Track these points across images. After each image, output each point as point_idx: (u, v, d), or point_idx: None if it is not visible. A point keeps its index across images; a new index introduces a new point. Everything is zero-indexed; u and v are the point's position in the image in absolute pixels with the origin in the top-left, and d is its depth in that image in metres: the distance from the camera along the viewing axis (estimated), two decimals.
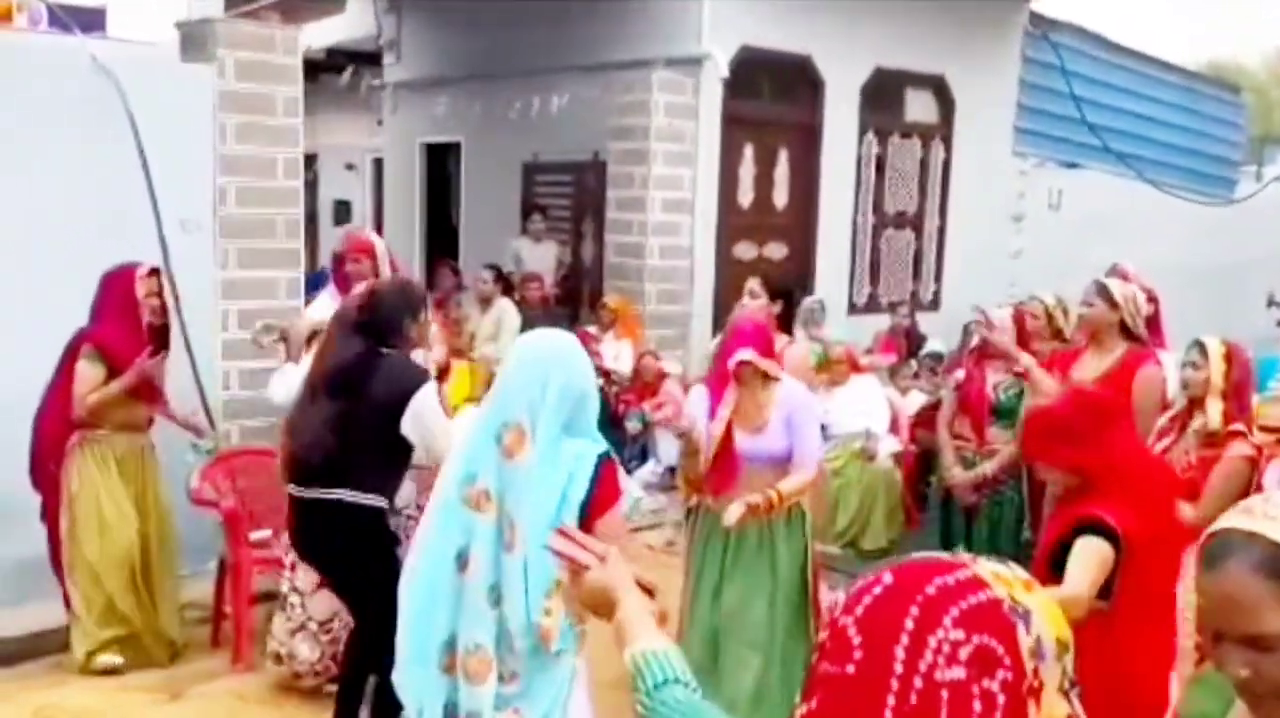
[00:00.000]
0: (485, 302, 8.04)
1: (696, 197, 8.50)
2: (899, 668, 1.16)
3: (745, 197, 9.02)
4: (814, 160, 9.34)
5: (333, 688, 4.25)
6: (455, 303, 8.33)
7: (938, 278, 10.55)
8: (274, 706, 4.58)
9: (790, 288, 6.86)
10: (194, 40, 5.99)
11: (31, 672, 4.82)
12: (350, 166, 14.60)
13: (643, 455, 7.71)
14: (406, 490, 4.29)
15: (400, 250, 5.58)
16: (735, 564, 4.21)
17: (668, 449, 7.22)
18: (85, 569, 4.79)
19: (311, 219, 9.57)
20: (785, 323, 7.03)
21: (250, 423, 6.06)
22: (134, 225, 5.54)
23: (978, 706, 1.15)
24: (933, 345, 8.57)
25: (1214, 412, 4.13)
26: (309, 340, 5.30)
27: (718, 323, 8.08)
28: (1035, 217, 11.00)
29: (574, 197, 9.85)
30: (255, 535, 5.13)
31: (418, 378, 3.86)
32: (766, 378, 4.13)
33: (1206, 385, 4.17)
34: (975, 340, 5.23)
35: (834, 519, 6.88)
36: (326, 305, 5.26)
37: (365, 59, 12.11)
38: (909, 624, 1.17)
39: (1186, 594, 3.98)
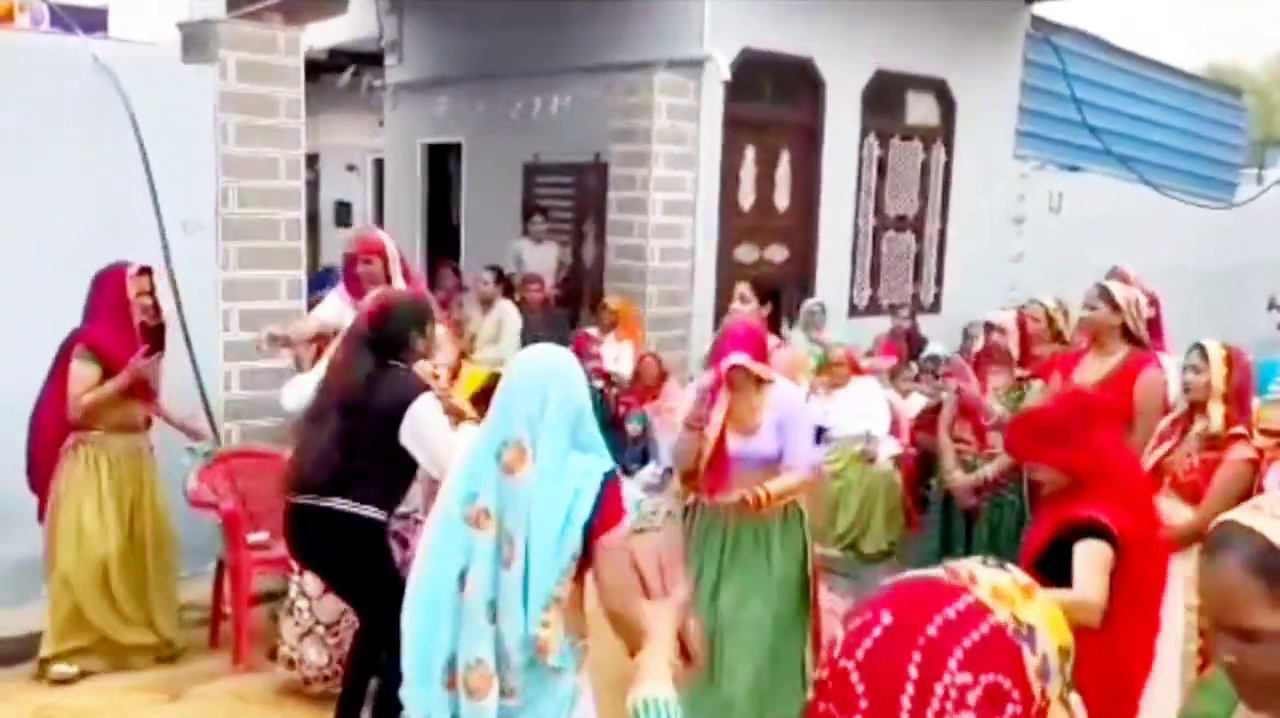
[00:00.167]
0: (486, 303, 8.03)
1: (698, 198, 8.50)
2: None
3: (746, 199, 9.02)
4: (815, 163, 9.34)
5: (339, 691, 4.25)
6: (457, 304, 8.33)
7: (938, 281, 10.55)
8: (274, 706, 4.58)
9: (778, 288, 6.85)
10: (196, 41, 6.00)
11: (32, 672, 4.80)
12: (351, 167, 14.60)
13: (643, 457, 7.71)
14: (413, 496, 4.30)
15: (401, 251, 5.59)
16: (732, 563, 4.21)
17: (669, 451, 7.22)
18: (57, 575, 4.78)
19: (312, 220, 9.56)
20: (773, 324, 7.05)
21: (251, 424, 6.06)
22: (135, 226, 5.54)
23: None
24: (933, 348, 8.58)
25: (1215, 415, 4.13)
26: (315, 341, 5.32)
27: (718, 325, 8.08)
28: (1036, 219, 11.00)
29: (575, 198, 9.85)
30: (253, 538, 5.12)
31: (416, 389, 3.89)
32: (760, 381, 4.13)
33: (1208, 389, 4.17)
34: (977, 344, 5.25)
35: (834, 522, 6.88)
36: (335, 306, 5.26)
37: (367, 60, 12.11)
38: (913, 673, 1.15)
39: (1187, 598, 4.00)
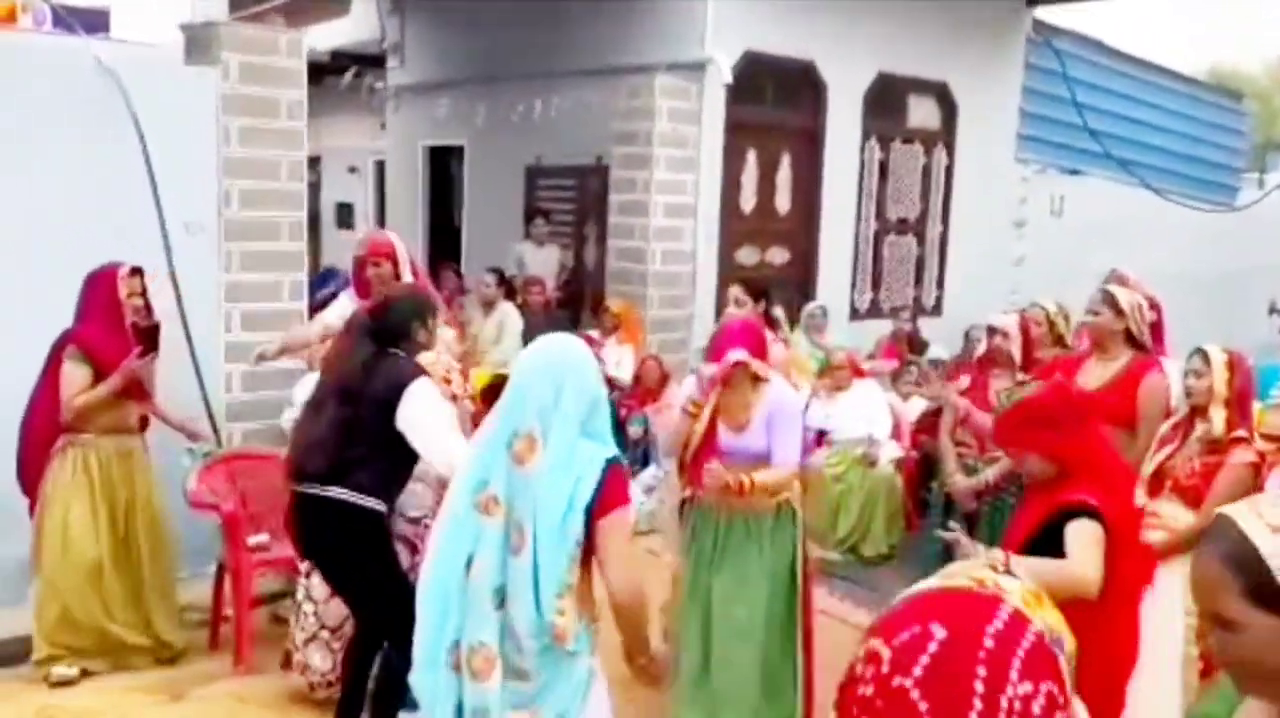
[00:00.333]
0: (488, 305, 8.04)
1: (699, 201, 8.50)
2: None
3: (748, 202, 9.02)
4: (816, 166, 9.34)
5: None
6: (458, 306, 8.33)
7: (939, 284, 10.55)
8: (274, 708, 4.57)
9: (768, 288, 6.85)
10: (198, 43, 6.01)
11: (33, 672, 4.80)
12: (353, 169, 14.61)
13: (644, 460, 7.71)
14: (424, 498, 4.29)
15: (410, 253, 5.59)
16: (723, 558, 4.23)
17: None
18: (43, 578, 4.77)
19: (314, 221, 9.57)
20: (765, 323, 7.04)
21: (253, 425, 6.07)
22: (137, 227, 5.55)
23: None
24: (934, 352, 8.58)
25: (1217, 419, 4.13)
26: (326, 342, 5.31)
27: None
28: (1037, 223, 11.00)
29: (576, 201, 9.86)
30: (254, 539, 5.12)
31: (413, 374, 3.89)
32: (756, 379, 4.13)
33: (1209, 393, 4.17)
34: (979, 348, 5.25)
35: (835, 525, 6.88)
36: (345, 308, 5.24)
37: (369, 62, 12.12)
38: (979, 687, 1.15)
39: (1187, 602, 4.00)
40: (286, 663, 4.69)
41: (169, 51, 6.09)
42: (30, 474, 4.88)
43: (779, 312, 7.31)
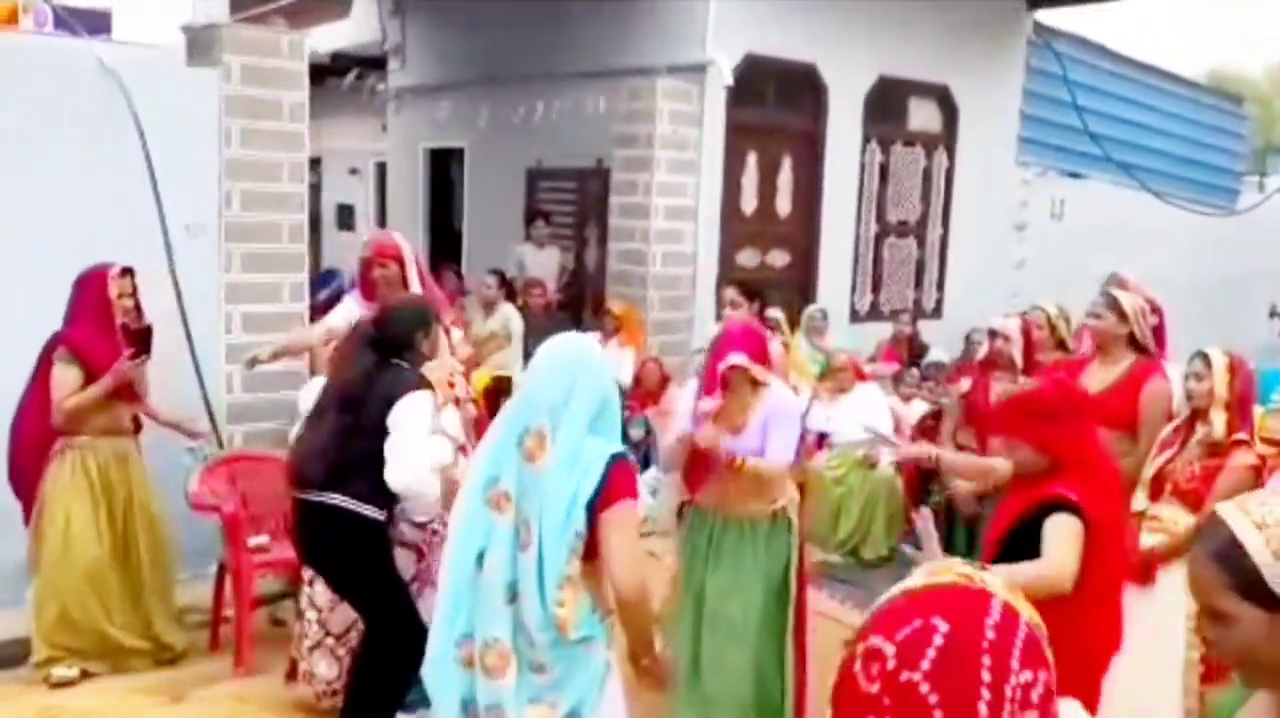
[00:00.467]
0: (488, 307, 8.04)
1: (700, 204, 8.51)
2: None
3: (748, 204, 9.02)
4: (817, 168, 9.34)
5: None
6: (459, 307, 8.32)
7: (940, 287, 10.55)
8: (275, 709, 4.56)
9: (762, 289, 6.84)
10: (200, 44, 6.01)
11: (32, 673, 4.79)
12: (354, 171, 14.61)
13: (645, 462, 7.71)
14: (432, 504, 4.29)
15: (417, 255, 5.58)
16: (717, 560, 4.23)
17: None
18: (43, 580, 4.76)
19: (314, 223, 9.56)
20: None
21: (253, 427, 6.07)
22: (138, 228, 5.55)
23: None
24: (935, 355, 8.57)
25: (1218, 422, 4.14)
26: (330, 344, 5.31)
27: None
28: (1038, 226, 11.01)
29: (577, 203, 9.86)
30: (254, 541, 5.12)
31: (409, 386, 3.90)
32: (756, 383, 4.13)
33: (1210, 396, 4.17)
34: (980, 351, 5.25)
35: (835, 528, 6.88)
36: (349, 311, 5.24)
37: (370, 63, 12.13)
38: (986, 677, 1.18)
39: (1188, 606, 4.00)
40: (292, 675, 4.61)
41: (170, 53, 6.09)
42: (21, 477, 4.86)
43: (779, 314, 7.31)
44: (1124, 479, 4.47)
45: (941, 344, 8.98)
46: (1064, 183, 11.33)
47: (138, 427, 5.05)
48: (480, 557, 2.74)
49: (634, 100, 8.30)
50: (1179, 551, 4.02)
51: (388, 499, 3.96)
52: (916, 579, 1.31)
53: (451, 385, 4.43)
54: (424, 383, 3.98)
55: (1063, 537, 3.15)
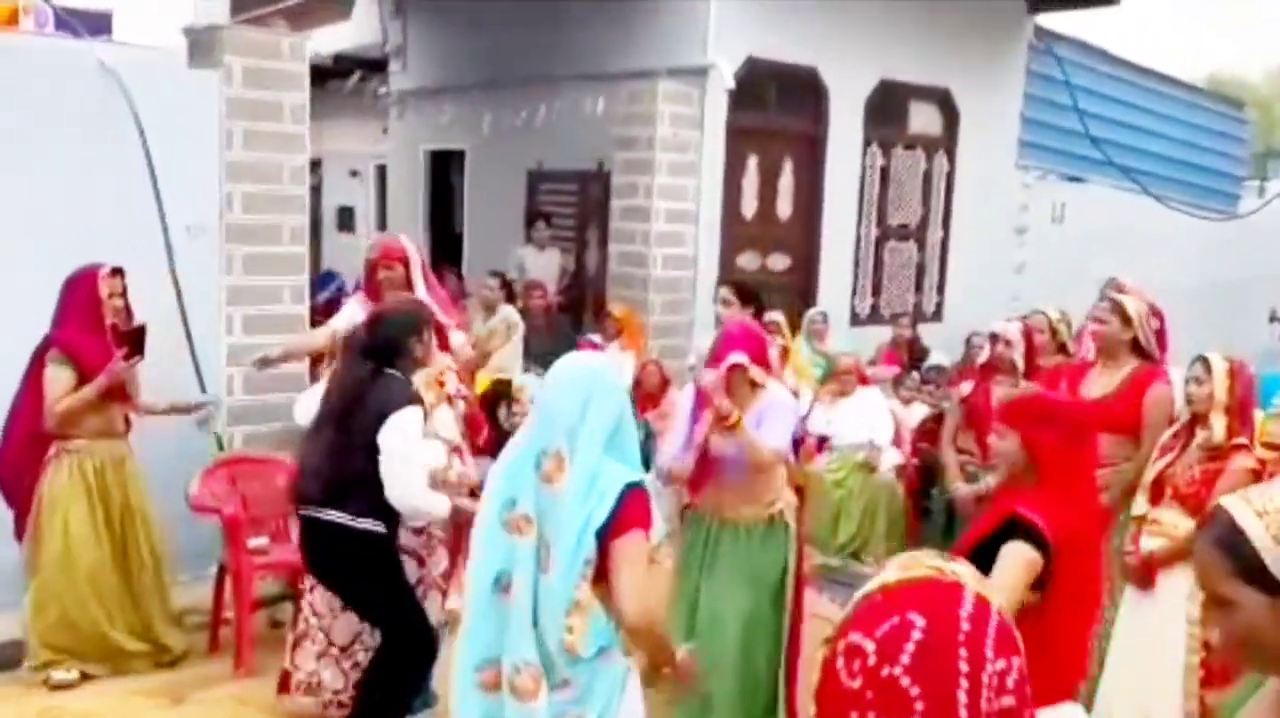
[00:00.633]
0: (489, 309, 8.03)
1: (700, 207, 8.51)
2: (964, 713, 1.23)
3: (749, 207, 9.02)
4: (818, 171, 9.34)
5: None
6: (461, 308, 8.32)
7: (940, 290, 10.55)
8: (275, 711, 4.56)
9: (759, 290, 6.84)
10: (201, 46, 6.01)
11: (31, 676, 4.79)
12: (354, 173, 14.61)
13: (645, 464, 7.70)
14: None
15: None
16: (714, 562, 4.24)
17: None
18: (42, 584, 4.74)
19: (315, 225, 9.57)
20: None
21: (254, 428, 6.06)
22: (139, 230, 5.55)
23: None
24: (935, 358, 8.58)
25: (1218, 426, 4.14)
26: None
27: None
28: (1038, 230, 11.00)
29: (578, 205, 9.86)
30: (254, 542, 5.12)
31: (401, 400, 3.89)
32: (754, 384, 4.13)
33: (1210, 400, 4.17)
34: (981, 355, 5.25)
35: (836, 531, 6.88)
36: (356, 314, 5.22)
37: (371, 66, 12.13)
38: (964, 667, 1.24)
39: (1189, 611, 4.00)
40: (284, 687, 4.47)
41: (172, 54, 6.09)
42: (15, 482, 4.83)
43: (779, 317, 7.30)
44: (1125, 484, 4.50)
45: (942, 348, 8.98)
46: (1065, 187, 11.33)
47: (127, 427, 5.01)
48: (498, 580, 2.73)
49: (635, 103, 8.30)
50: (1179, 554, 4.02)
51: (389, 513, 3.95)
52: (890, 574, 1.37)
53: (441, 384, 4.43)
54: (415, 397, 3.98)
55: (1009, 567, 3.09)
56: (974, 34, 10.05)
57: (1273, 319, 12.80)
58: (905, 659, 1.24)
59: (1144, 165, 11.86)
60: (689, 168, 8.39)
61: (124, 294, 4.87)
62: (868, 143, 9.67)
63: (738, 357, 4.06)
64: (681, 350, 8.44)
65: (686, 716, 4.19)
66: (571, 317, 9.35)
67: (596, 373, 2.83)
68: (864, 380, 7.37)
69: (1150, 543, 4.20)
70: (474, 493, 4.09)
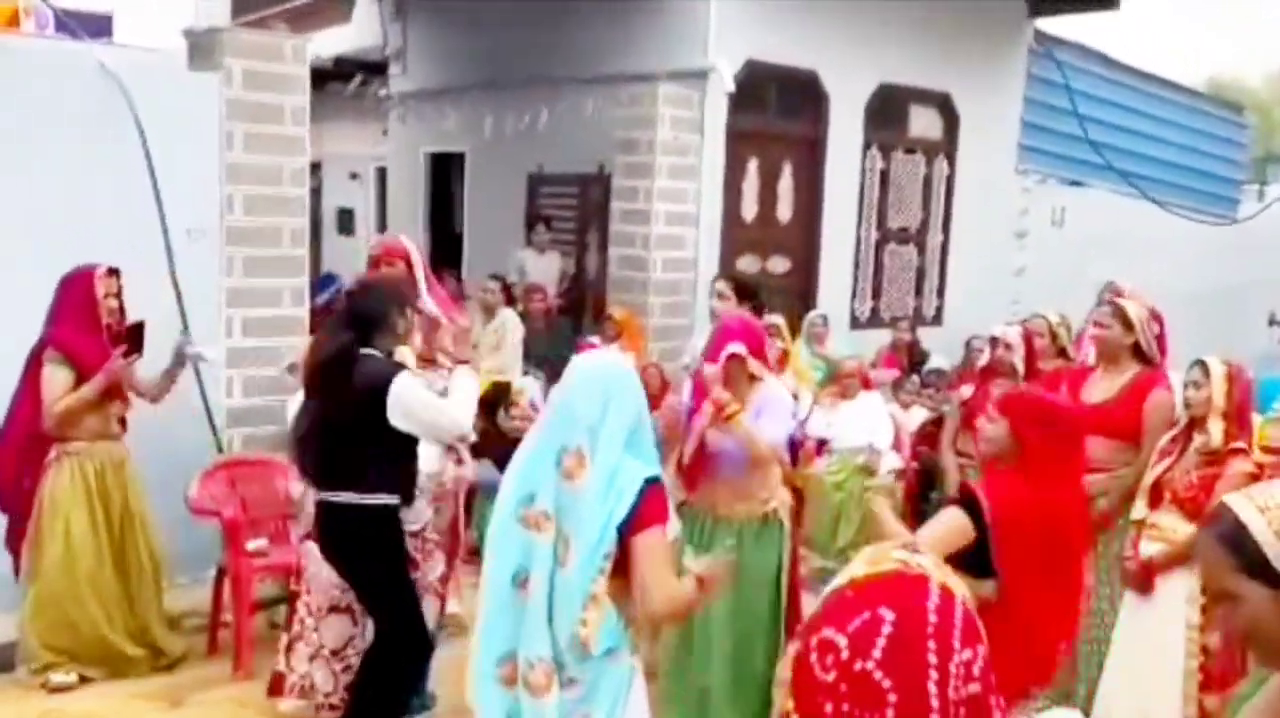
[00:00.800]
0: (489, 311, 8.03)
1: (700, 210, 8.51)
2: (935, 703, 1.28)
3: (749, 210, 9.03)
4: (818, 175, 9.36)
5: None
6: (461, 309, 8.31)
7: (940, 293, 10.56)
8: (274, 713, 4.55)
9: (757, 287, 6.86)
10: (201, 48, 6.01)
11: (30, 678, 4.78)
12: (354, 175, 14.60)
13: None
14: (422, 512, 4.29)
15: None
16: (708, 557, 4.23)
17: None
18: (42, 584, 4.73)
19: (315, 227, 9.57)
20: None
21: (253, 431, 6.07)
22: (139, 232, 5.55)
23: (997, 715, 1.32)
24: (935, 362, 8.57)
25: (1215, 430, 4.14)
26: None
27: None
28: (1038, 234, 11.02)
29: (578, 208, 9.87)
30: (253, 544, 5.12)
31: (390, 371, 3.89)
32: (752, 378, 4.13)
33: (1208, 405, 4.17)
34: (980, 358, 5.25)
35: (835, 534, 6.87)
36: None
37: (371, 68, 12.14)
38: (933, 659, 1.29)
39: (1189, 615, 4.00)
40: (276, 689, 4.42)
41: (172, 57, 6.09)
42: (10, 483, 4.82)
43: (779, 320, 7.30)
44: (1124, 489, 4.50)
45: (941, 351, 8.98)
46: (1064, 191, 11.34)
47: (122, 427, 4.99)
48: (515, 576, 2.75)
49: (635, 106, 8.31)
50: (1178, 559, 4.03)
51: (397, 482, 3.97)
52: (858, 569, 1.42)
53: (432, 360, 4.45)
54: (400, 365, 4.00)
55: (936, 523, 3.31)
56: (974, 38, 10.06)
57: (1272, 323, 12.82)
58: (877, 654, 1.29)
59: (1144, 170, 11.87)
60: (689, 171, 8.40)
61: (119, 295, 4.86)
62: (868, 146, 9.68)
63: (736, 347, 4.07)
64: (681, 353, 8.45)
65: (684, 712, 4.20)
66: (571, 320, 9.35)
67: (616, 373, 2.86)
68: (867, 384, 7.37)
69: (1149, 548, 4.20)
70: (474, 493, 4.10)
